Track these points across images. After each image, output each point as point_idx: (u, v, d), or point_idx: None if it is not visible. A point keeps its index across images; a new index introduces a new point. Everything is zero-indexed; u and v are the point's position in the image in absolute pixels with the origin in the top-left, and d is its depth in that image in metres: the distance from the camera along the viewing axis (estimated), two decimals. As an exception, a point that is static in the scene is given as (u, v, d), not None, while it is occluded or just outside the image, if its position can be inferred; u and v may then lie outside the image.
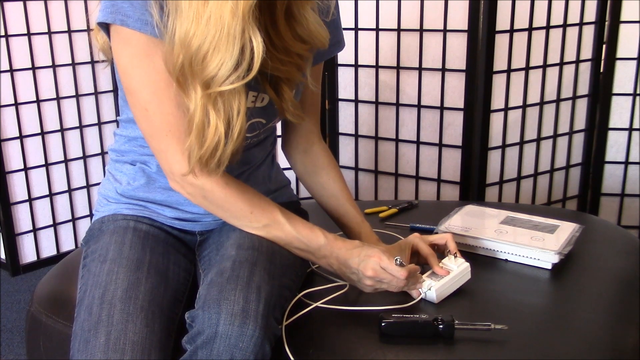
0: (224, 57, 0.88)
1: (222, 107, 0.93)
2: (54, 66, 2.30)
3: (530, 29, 2.10)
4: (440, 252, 1.15)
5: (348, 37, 2.28)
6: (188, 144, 0.95)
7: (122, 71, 0.99)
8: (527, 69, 2.14)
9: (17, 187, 2.29)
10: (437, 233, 1.22)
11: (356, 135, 2.39)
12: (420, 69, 2.19)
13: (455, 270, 1.09)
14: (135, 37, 0.95)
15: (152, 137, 1.01)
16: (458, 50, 2.11)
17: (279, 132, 1.33)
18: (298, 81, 1.05)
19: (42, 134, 2.31)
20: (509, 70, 2.11)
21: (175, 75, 0.92)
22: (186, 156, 0.97)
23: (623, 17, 2.16)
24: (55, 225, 2.41)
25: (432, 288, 1.06)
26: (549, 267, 1.18)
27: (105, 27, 0.98)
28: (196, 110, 0.92)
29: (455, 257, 1.11)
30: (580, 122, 2.31)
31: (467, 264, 1.11)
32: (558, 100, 2.23)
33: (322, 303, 1.05)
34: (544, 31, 2.13)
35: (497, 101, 2.14)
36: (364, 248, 1.04)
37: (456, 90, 2.15)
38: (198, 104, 0.92)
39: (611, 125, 2.28)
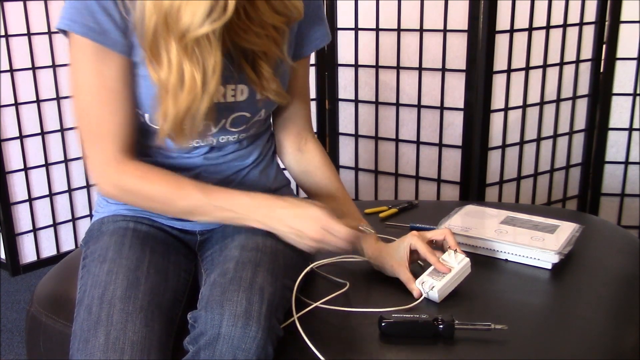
0: (197, 3, 0.90)
1: (198, 60, 0.94)
2: (54, 66, 2.30)
3: (530, 29, 2.10)
4: (439, 246, 1.15)
5: (348, 37, 2.28)
6: (161, 111, 0.97)
7: (69, 72, 1.02)
8: (527, 69, 2.14)
9: (17, 187, 2.29)
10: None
11: (356, 135, 2.39)
12: (420, 69, 2.19)
13: (456, 268, 1.08)
14: (81, 42, 0.98)
15: (85, 140, 1.04)
16: (458, 50, 2.11)
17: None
18: (276, 57, 1.06)
19: (42, 134, 2.31)
20: (509, 70, 2.12)
21: (148, 43, 0.94)
22: (112, 167, 1.01)
23: (623, 17, 2.16)
24: (55, 225, 2.41)
25: (434, 288, 1.05)
26: (549, 267, 1.18)
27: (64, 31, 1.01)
28: (171, 70, 0.94)
29: (455, 252, 1.11)
30: (580, 122, 2.31)
31: (467, 259, 1.10)
32: (558, 100, 2.24)
33: (322, 303, 1.05)
34: (544, 31, 2.13)
35: (497, 101, 2.14)
36: (302, 206, 1.01)
37: (456, 90, 2.15)
38: (173, 62, 0.93)
39: (611, 125, 2.28)
